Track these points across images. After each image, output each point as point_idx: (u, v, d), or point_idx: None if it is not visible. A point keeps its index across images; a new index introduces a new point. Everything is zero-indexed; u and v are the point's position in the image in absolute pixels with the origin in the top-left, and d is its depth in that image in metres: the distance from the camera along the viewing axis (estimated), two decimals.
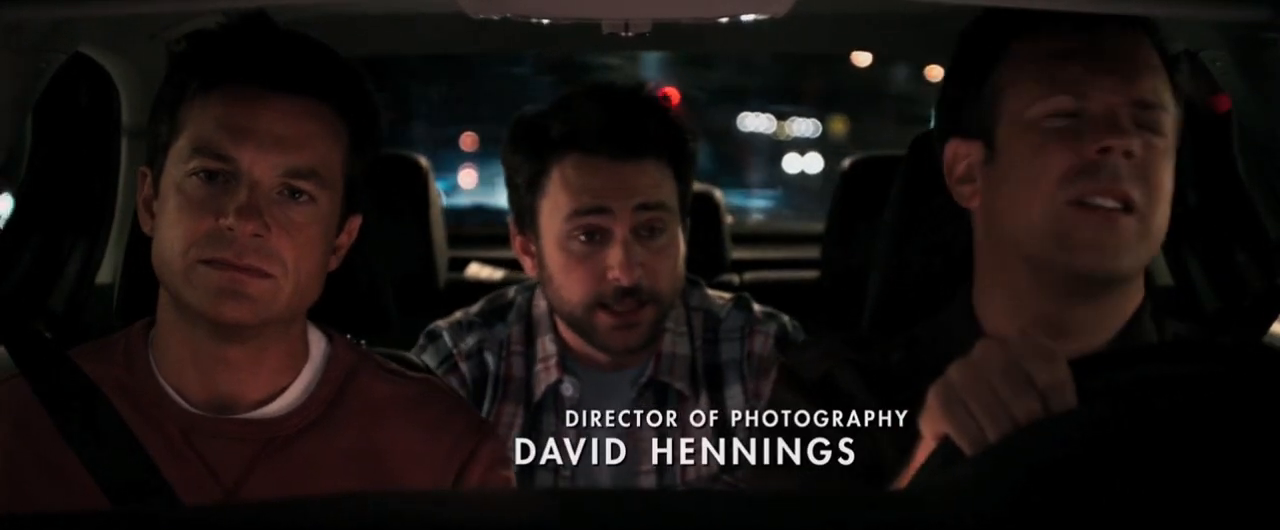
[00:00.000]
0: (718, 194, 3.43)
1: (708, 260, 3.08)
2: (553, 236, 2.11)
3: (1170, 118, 1.56)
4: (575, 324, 2.14)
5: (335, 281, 1.64)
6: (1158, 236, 1.54)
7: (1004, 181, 1.57)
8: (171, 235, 1.52)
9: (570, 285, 2.10)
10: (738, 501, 0.90)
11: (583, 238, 2.08)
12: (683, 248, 2.16)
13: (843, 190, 2.96)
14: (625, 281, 2.06)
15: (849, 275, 2.55)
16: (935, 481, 1.08)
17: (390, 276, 1.95)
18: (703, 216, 3.00)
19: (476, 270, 3.37)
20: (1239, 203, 2.24)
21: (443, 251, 3.01)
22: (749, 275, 3.31)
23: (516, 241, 2.20)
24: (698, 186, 2.51)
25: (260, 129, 1.52)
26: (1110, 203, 1.50)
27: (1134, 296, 1.59)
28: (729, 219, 3.55)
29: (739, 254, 3.48)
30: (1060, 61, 1.55)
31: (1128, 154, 1.50)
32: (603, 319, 2.10)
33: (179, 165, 1.53)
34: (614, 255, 2.07)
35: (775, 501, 0.86)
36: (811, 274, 3.20)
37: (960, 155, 1.63)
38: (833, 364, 1.64)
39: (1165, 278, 2.42)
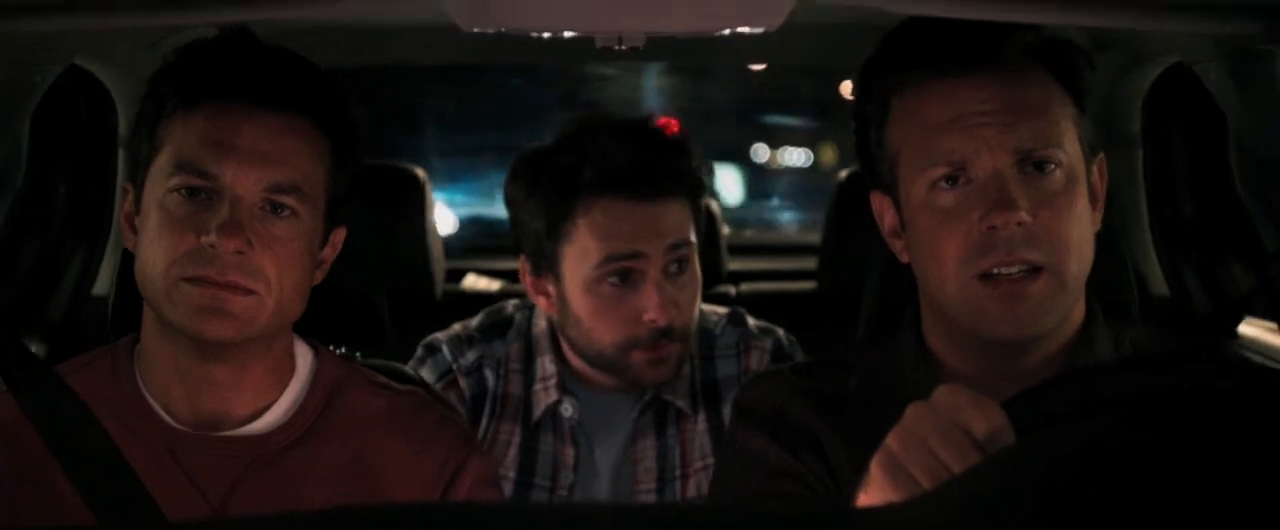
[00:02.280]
0: (714, 205, 3.42)
1: (705, 271, 3.06)
2: (580, 281, 2.07)
3: (1071, 144, 1.50)
4: (605, 364, 2.11)
5: (330, 294, 1.64)
6: (1078, 280, 1.51)
7: (917, 252, 1.55)
8: (154, 253, 1.52)
9: (602, 329, 2.08)
10: (734, 517, 0.90)
11: (615, 281, 2.06)
12: (700, 277, 2.14)
13: (839, 202, 2.95)
14: (661, 322, 2.05)
15: (845, 286, 2.54)
16: (929, 499, 1.08)
17: (386, 288, 1.94)
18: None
19: (474, 281, 3.36)
20: (1235, 214, 2.23)
21: (440, 263, 3.00)
22: (745, 286, 3.29)
23: (528, 281, 2.16)
24: None
25: (242, 145, 1.51)
26: (1014, 270, 1.47)
27: (1077, 312, 1.55)
28: (726, 230, 3.54)
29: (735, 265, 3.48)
30: (937, 128, 1.49)
31: (1020, 224, 1.46)
32: (637, 358, 2.08)
33: (160, 182, 1.53)
34: (649, 297, 2.05)
35: (771, 518, 0.86)
36: (809, 285, 3.19)
37: (882, 209, 1.61)
38: (786, 396, 1.62)
39: (1161, 288, 2.41)
